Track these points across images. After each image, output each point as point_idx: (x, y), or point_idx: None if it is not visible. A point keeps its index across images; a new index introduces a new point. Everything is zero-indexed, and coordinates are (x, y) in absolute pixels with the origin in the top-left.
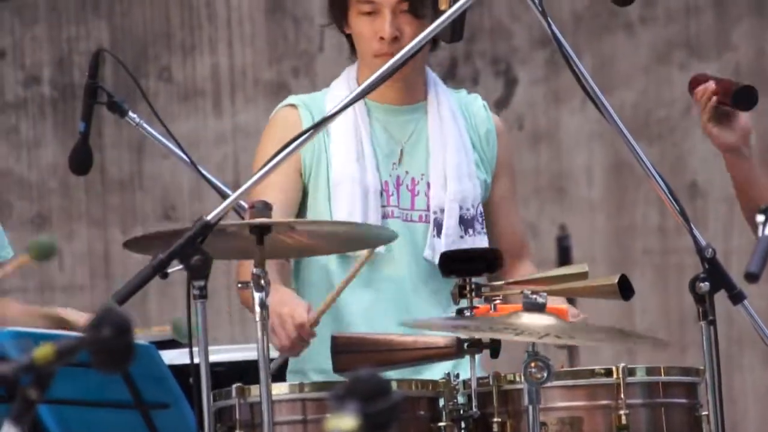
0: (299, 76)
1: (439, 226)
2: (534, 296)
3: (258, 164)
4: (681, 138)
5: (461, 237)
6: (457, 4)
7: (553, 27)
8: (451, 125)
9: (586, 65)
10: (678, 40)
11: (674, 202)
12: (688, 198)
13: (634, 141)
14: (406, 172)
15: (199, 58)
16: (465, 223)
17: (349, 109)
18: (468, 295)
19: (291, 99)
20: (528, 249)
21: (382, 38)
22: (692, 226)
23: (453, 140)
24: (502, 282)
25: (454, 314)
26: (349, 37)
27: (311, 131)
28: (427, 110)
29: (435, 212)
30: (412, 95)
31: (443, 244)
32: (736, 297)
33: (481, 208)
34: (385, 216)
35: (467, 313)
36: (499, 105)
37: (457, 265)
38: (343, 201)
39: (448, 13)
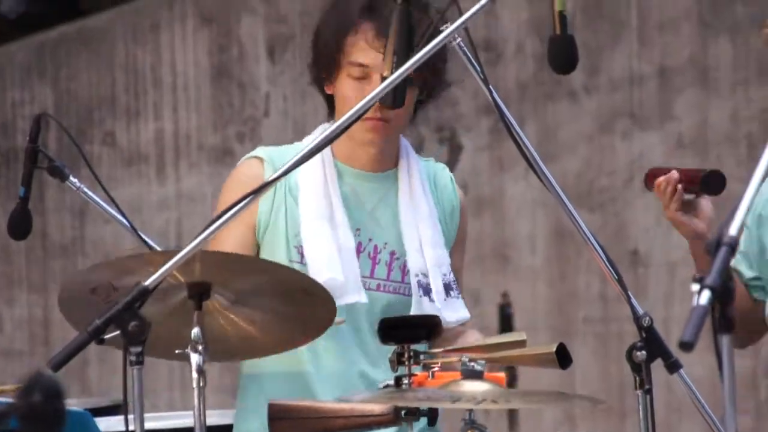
0: (244, 141)
1: (425, 288)
2: (472, 364)
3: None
4: (623, 207)
5: (445, 299)
6: (399, 71)
7: (495, 95)
8: (422, 196)
9: (530, 133)
10: (621, 109)
11: (612, 271)
12: (629, 266)
13: (574, 209)
14: (369, 240)
15: (143, 123)
16: (445, 287)
17: (320, 171)
18: (406, 363)
19: (258, 151)
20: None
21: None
22: (630, 294)
23: (424, 211)
24: (441, 350)
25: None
26: (329, 97)
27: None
28: (397, 178)
29: (417, 275)
30: (383, 162)
31: (438, 304)
32: (673, 366)
33: (452, 276)
34: (359, 275)
35: (405, 381)
36: None
37: (396, 332)
38: (318, 251)
39: (391, 79)
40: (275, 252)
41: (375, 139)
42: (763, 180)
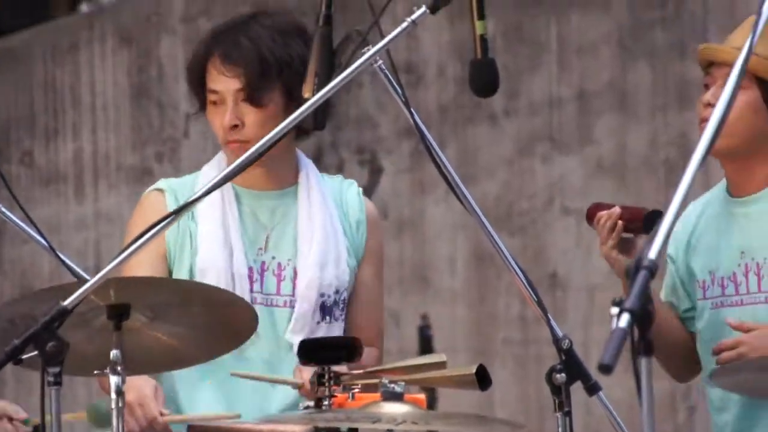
0: (163, 161)
1: (305, 313)
2: (392, 385)
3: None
4: (542, 230)
5: (317, 323)
6: (321, 92)
7: (416, 117)
8: (321, 211)
9: (450, 156)
10: (541, 132)
11: (532, 293)
12: (548, 289)
13: (494, 232)
14: (273, 258)
15: (62, 142)
16: (324, 310)
17: (217, 195)
18: (326, 384)
19: (159, 183)
20: (378, 340)
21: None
22: (549, 316)
23: (321, 226)
24: (361, 371)
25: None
26: None
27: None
28: (297, 195)
29: (300, 298)
30: (280, 180)
31: (296, 329)
32: (592, 388)
33: (345, 294)
34: (251, 302)
35: (325, 402)
36: (364, 194)
37: (316, 353)
38: None
39: (312, 101)
40: (180, 278)
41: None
42: (682, 205)
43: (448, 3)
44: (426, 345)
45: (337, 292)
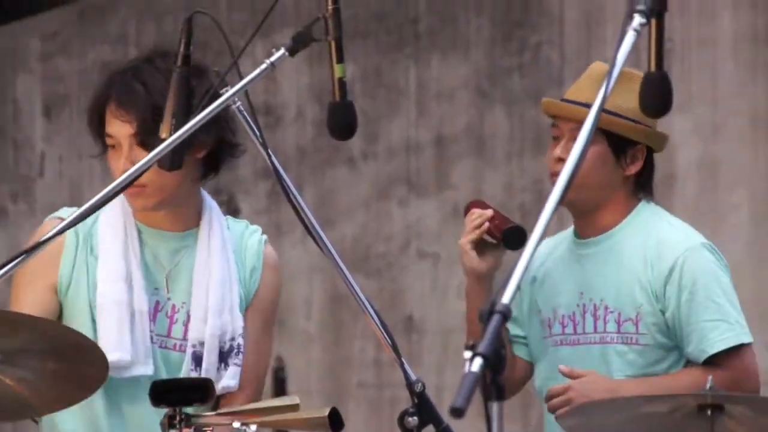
0: (17, 201)
1: (198, 360)
2: (244, 427)
3: (18, 278)
4: (399, 273)
5: (218, 370)
6: (178, 132)
7: (274, 159)
8: (219, 257)
9: (308, 198)
10: (398, 176)
11: (387, 337)
12: (403, 332)
13: (350, 275)
14: (168, 299)
15: None
16: (222, 356)
17: (120, 231)
18: (177, 426)
19: (61, 212)
20: (253, 384)
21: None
22: (404, 360)
23: (218, 272)
24: (213, 413)
25: None
26: None
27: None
28: (197, 238)
29: (194, 345)
30: (182, 222)
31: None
32: None
33: (240, 340)
34: (150, 341)
35: None
36: None
37: (168, 394)
38: (110, 324)
39: (169, 141)
40: (75, 312)
41: (140, 206)
42: (535, 249)
43: (307, 46)
44: (280, 387)
45: (232, 338)
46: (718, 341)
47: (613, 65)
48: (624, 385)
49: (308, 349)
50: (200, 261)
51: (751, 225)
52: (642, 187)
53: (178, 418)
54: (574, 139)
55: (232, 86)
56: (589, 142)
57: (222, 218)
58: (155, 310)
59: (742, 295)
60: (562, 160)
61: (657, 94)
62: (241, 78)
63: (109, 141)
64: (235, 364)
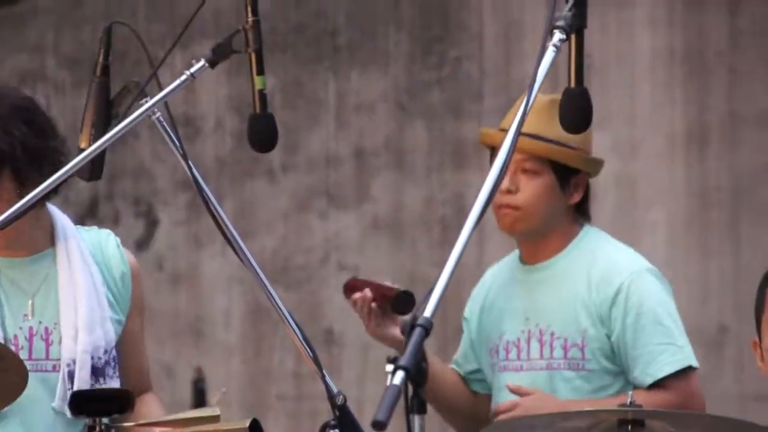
0: None
1: (72, 377)
2: None
3: None
4: (318, 285)
5: (92, 386)
6: (97, 143)
7: (194, 170)
8: (82, 272)
9: (227, 209)
10: (318, 188)
11: (307, 349)
12: (323, 345)
13: (270, 286)
14: (40, 323)
15: None
16: (97, 371)
17: None
18: None
19: None
20: (150, 385)
21: None
22: (324, 372)
23: (84, 288)
24: (133, 423)
25: None
26: None
27: None
28: (55, 259)
29: (68, 364)
30: (33, 245)
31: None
32: None
33: (114, 352)
34: None
35: None
36: (140, 245)
37: (87, 405)
38: None
39: (87, 152)
40: None
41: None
42: (457, 263)
43: (227, 57)
44: (199, 398)
45: (105, 352)
46: (666, 364)
47: (533, 81)
48: (572, 404)
49: (228, 360)
50: (63, 279)
51: (668, 243)
52: (582, 212)
53: (97, 429)
54: (521, 170)
55: (152, 97)
56: (507, 164)
57: (75, 232)
58: (30, 335)
59: None
60: (510, 192)
61: (577, 110)
62: (161, 89)
63: None
64: (116, 376)
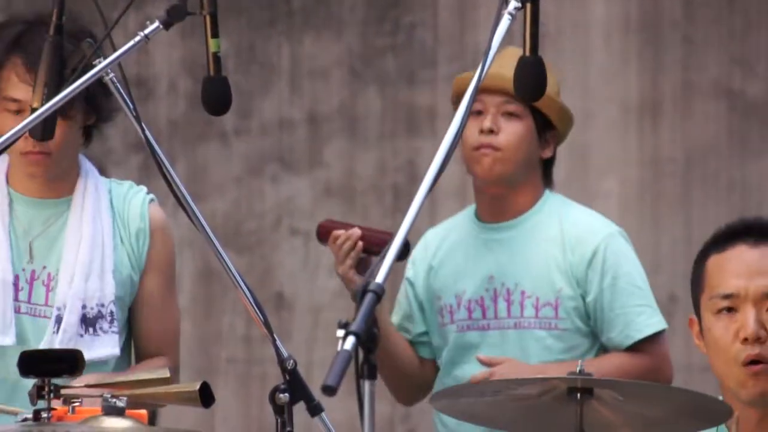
0: None
1: (60, 322)
2: (114, 400)
3: None
4: (270, 250)
5: (81, 336)
6: (50, 102)
7: (146, 132)
8: (92, 222)
9: (180, 172)
10: (271, 153)
11: (258, 312)
12: (274, 309)
13: (222, 250)
14: (44, 267)
15: None
16: (87, 321)
17: None
18: (46, 396)
19: None
20: (171, 348)
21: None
22: (275, 336)
23: (89, 235)
24: (82, 384)
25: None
26: None
27: None
28: (71, 204)
29: (59, 308)
30: (58, 189)
31: (59, 341)
32: (314, 409)
33: (113, 307)
34: (14, 311)
35: (44, 415)
36: None
37: (36, 365)
38: None
39: (40, 111)
40: None
41: (37, 173)
42: (410, 227)
43: (182, 19)
44: None
45: (102, 305)
46: (646, 326)
47: (487, 49)
48: (548, 369)
49: None
50: (72, 225)
51: (620, 212)
52: (548, 175)
53: (46, 389)
54: (502, 112)
55: (105, 58)
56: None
57: (100, 182)
58: (31, 279)
59: None
60: (492, 132)
61: (531, 78)
62: (115, 50)
63: (11, 106)
64: (113, 331)
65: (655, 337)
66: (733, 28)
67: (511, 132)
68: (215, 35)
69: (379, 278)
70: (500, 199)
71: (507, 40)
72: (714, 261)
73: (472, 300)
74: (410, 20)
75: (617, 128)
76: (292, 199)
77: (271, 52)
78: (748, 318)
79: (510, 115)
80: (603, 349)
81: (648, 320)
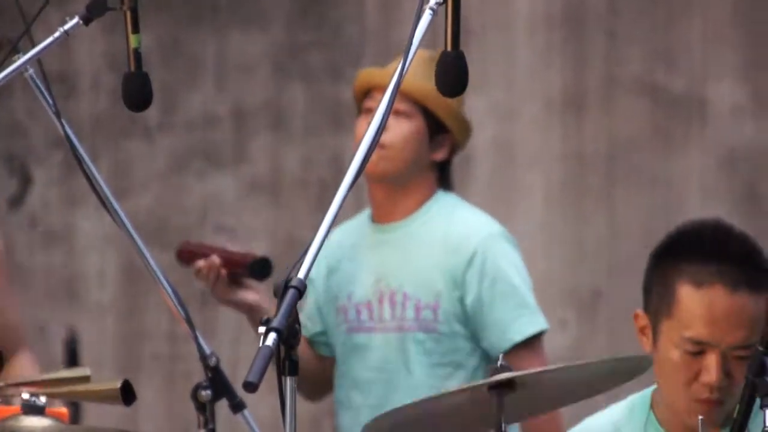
0: None
1: None
2: (33, 398)
3: None
4: None
5: None
6: None
7: (67, 128)
8: None
9: (103, 168)
10: (195, 148)
11: (181, 309)
12: (199, 306)
13: (145, 247)
14: None
15: None
16: None
17: None
18: None
19: None
20: (24, 341)
21: None
22: (197, 334)
23: None
24: (1, 383)
25: None
26: None
27: None
28: None
29: None
30: None
31: None
32: (237, 406)
33: None
34: None
35: None
36: (13, 204)
37: None
38: None
39: None
40: None
41: None
42: (332, 223)
43: (102, 15)
44: (72, 359)
45: None
46: (524, 327)
47: (409, 44)
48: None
49: (101, 320)
50: None
51: (544, 206)
52: (443, 179)
53: None
54: (393, 111)
55: (25, 54)
56: (390, 109)
57: None
58: None
59: (534, 275)
60: None
61: (453, 74)
62: (34, 45)
63: None
64: None
65: (535, 338)
66: (656, 23)
67: (398, 131)
68: (136, 31)
69: (301, 274)
70: (389, 199)
71: (431, 36)
72: (687, 294)
73: (361, 303)
74: (336, 15)
75: (541, 123)
76: (218, 194)
77: (195, 47)
78: (714, 366)
79: (399, 114)
80: (485, 354)
81: (527, 322)
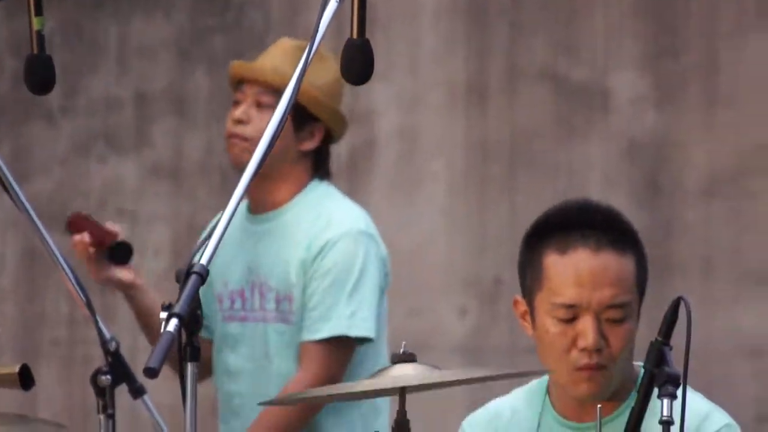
0: None
1: None
2: None
3: None
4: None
5: None
6: None
7: None
8: None
9: (4, 152)
10: (98, 132)
11: (81, 294)
12: (99, 291)
13: (45, 231)
14: None
15: None
16: None
17: None
18: None
19: None
20: None
21: None
22: (98, 318)
23: None
24: None
25: None
26: None
27: None
28: None
29: None
30: None
31: None
32: (137, 391)
33: None
34: None
35: None
36: None
37: None
38: None
39: None
40: None
41: None
42: (234, 212)
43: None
44: None
45: None
46: (328, 327)
47: (315, 31)
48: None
49: (1, 305)
50: None
51: (447, 194)
52: (318, 167)
53: None
54: (256, 103)
55: None
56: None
57: None
58: None
59: (436, 262)
60: (242, 122)
61: (358, 61)
62: None
63: None
64: None
65: (334, 341)
66: (559, 14)
67: (261, 124)
68: (39, 13)
69: (204, 260)
70: (259, 190)
71: (336, 24)
72: (553, 262)
73: (235, 291)
74: (240, 1)
75: (445, 111)
76: (119, 179)
77: (98, 31)
78: (589, 329)
79: (262, 106)
80: None
81: (333, 324)
